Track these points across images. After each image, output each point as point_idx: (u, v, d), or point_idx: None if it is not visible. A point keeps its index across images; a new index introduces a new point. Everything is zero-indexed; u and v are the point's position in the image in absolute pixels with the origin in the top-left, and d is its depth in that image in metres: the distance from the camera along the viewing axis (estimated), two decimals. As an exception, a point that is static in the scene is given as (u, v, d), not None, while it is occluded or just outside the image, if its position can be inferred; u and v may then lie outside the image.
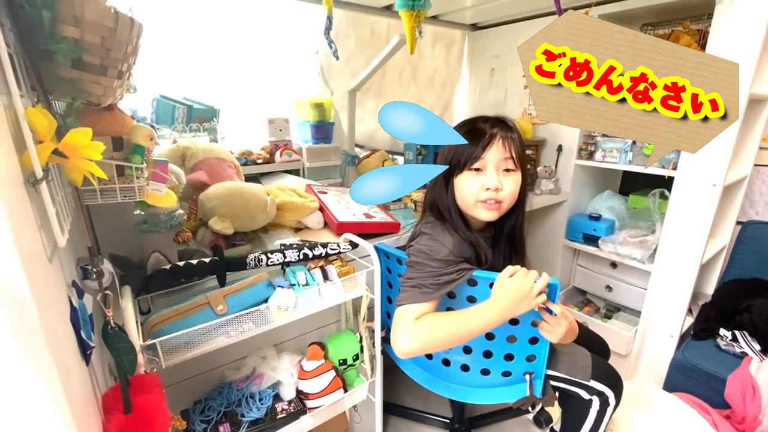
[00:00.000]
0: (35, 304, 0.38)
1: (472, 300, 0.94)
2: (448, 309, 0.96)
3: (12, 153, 0.42)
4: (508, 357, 1.01)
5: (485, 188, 0.90)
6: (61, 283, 0.52)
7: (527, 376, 1.01)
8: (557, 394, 1.08)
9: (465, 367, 1.04)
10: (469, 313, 0.86)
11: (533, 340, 0.97)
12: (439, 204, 0.97)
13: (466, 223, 0.97)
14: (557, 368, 1.02)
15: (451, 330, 0.85)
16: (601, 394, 1.02)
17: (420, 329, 0.85)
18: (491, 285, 0.88)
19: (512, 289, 0.83)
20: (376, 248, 1.06)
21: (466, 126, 0.95)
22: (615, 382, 1.04)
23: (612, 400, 1.02)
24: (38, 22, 0.46)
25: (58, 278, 0.50)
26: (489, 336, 0.98)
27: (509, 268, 0.86)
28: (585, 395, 1.03)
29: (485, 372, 1.03)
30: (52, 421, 0.38)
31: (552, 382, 1.04)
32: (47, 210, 0.46)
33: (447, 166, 0.86)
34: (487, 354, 1.00)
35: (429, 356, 1.10)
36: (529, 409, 1.16)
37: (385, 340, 1.14)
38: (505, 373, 1.03)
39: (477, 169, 0.90)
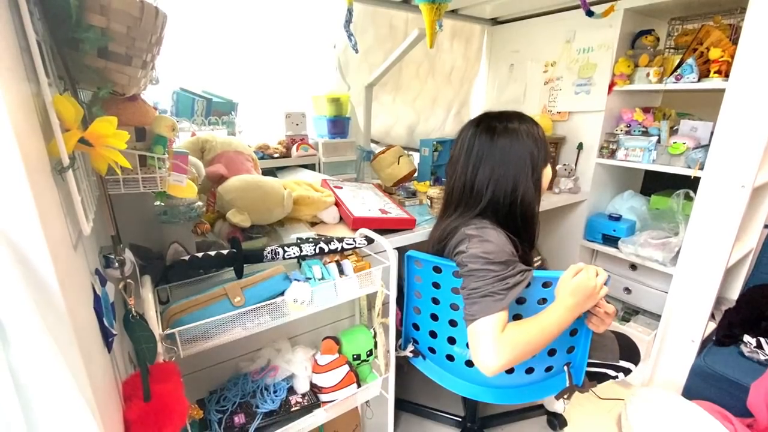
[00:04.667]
0: (61, 290, 0.38)
1: (542, 302, 0.94)
2: (516, 316, 0.94)
3: (40, 141, 0.42)
4: (551, 352, 1.02)
5: (549, 176, 1.01)
6: (85, 271, 0.52)
7: (566, 368, 1.05)
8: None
9: (510, 370, 1.04)
10: (546, 318, 0.85)
11: (573, 332, 1.00)
12: (524, 201, 0.95)
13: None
14: (590, 355, 1.04)
15: (537, 337, 0.82)
16: (626, 371, 1.12)
17: (508, 341, 0.80)
18: (545, 285, 0.91)
19: (580, 288, 0.84)
20: (417, 258, 1.01)
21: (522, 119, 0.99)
22: (636, 354, 1.16)
23: (633, 369, 1.14)
24: (66, 10, 0.47)
25: (82, 266, 0.51)
26: None
27: (573, 268, 0.87)
28: (612, 373, 1.11)
29: (529, 371, 1.04)
30: (76, 406, 0.38)
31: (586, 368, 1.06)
32: (73, 198, 0.47)
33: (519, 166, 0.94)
34: None
35: (470, 364, 1.07)
36: (564, 398, 1.15)
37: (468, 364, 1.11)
38: (548, 369, 1.06)
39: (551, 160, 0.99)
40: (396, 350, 1.17)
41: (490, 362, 0.80)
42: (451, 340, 1.05)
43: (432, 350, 1.12)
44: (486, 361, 0.80)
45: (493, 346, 0.79)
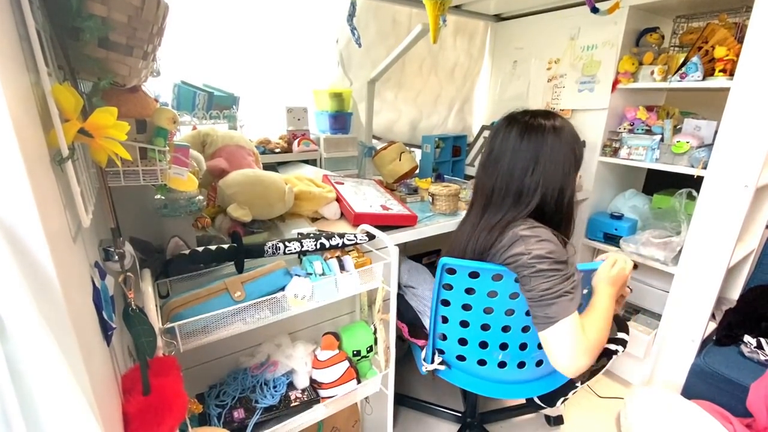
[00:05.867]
0: (59, 282, 0.38)
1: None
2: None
3: (39, 131, 0.42)
4: (540, 345, 1.02)
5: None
6: (85, 263, 0.52)
7: None
8: None
9: (539, 362, 1.04)
10: (602, 308, 0.88)
11: None
12: (570, 201, 0.96)
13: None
14: None
15: (605, 329, 0.85)
16: (623, 342, 1.14)
17: (591, 339, 0.82)
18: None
19: (619, 278, 0.92)
20: (451, 266, 0.95)
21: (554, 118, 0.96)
22: (624, 325, 1.20)
23: (628, 340, 1.17)
24: (66, -2, 0.46)
25: (81, 258, 0.50)
26: (525, 329, 0.99)
27: (610, 259, 0.93)
28: (612, 347, 1.11)
29: (521, 365, 1.05)
30: (74, 399, 0.38)
31: None
32: (72, 189, 0.46)
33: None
34: (523, 346, 1.02)
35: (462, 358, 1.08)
36: (577, 384, 1.17)
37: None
38: (538, 363, 1.06)
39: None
40: (423, 365, 1.13)
41: (579, 363, 0.81)
42: (483, 345, 1.02)
43: (461, 358, 1.08)
44: (575, 362, 0.81)
45: (581, 347, 0.81)
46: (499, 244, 0.91)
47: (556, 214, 0.95)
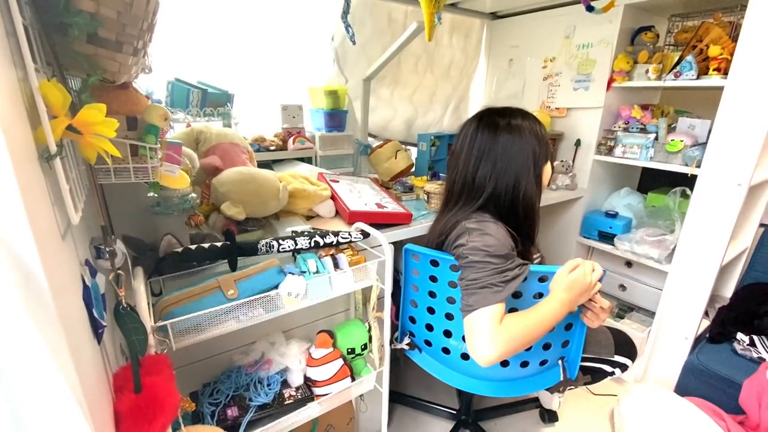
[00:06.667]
0: (47, 280, 0.37)
1: (538, 297, 0.93)
2: (511, 309, 0.93)
3: (26, 127, 0.41)
4: (546, 346, 1.02)
5: (549, 173, 1.00)
6: (74, 261, 0.51)
7: (560, 362, 1.05)
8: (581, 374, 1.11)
9: (505, 363, 1.04)
10: (542, 311, 0.85)
11: (568, 326, 1.01)
12: (526, 198, 0.95)
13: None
14: (584, 350, 1.05)
15: (532, 330, 0.82)
16: (622, 366, 1.12)
17: (505, 333, 0.80)
18: (541, 279, 0.91)
19: (575, 284, 0.85)
20: (415, 252, 1.03)
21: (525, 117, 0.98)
22: (632, 350, 1.16)
23: (630, 365, 1.14)
24: (54, -7, 0.45)
25: (71, 256, 0.50)
26: None
27: (569, 264, 0.88)
28: (608, 368, 1.11)
29: (524, 364, 1.04)
30: (63, 398, 0.38)
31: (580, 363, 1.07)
32: (61, 186, 0.46)
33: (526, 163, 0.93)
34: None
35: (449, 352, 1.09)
36: (559, 391, 1.15)
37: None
38: (542, 362, 1.06)
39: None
40: (392, 343, 1.18)
41: (486, 353, 0.79)
42: (447, 333, 1.05)
43: (428, 343, 1.13)
44: (482, 351, 0.80)
45: (490, 337, 0.79)
46: (450, 235, 0.95)
47: (512, 212, 0.96)
